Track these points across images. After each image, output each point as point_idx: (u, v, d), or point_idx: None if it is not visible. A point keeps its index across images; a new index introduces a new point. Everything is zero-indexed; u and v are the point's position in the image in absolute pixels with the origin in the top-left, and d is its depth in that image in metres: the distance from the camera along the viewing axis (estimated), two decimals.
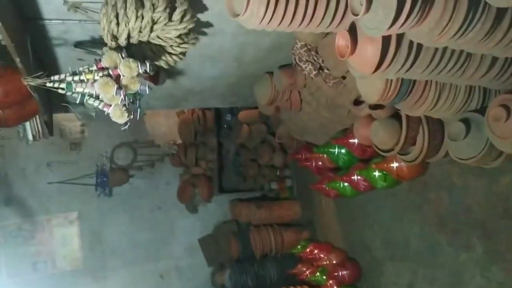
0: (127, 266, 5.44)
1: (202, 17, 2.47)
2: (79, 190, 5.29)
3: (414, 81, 2.15)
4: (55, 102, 2.96)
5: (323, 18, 1.90)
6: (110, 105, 2.12)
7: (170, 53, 2.40)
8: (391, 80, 2.11)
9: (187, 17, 2.19)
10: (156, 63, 2.43)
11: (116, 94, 2.07)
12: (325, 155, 3.88)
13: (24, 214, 5.20)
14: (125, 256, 5.44)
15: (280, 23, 1.89)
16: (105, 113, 2.16)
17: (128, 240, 5.46)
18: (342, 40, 1.87)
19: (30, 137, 3.27)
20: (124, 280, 5.47)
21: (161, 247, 5.58)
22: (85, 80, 2.08)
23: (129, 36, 2.15)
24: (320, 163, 4.04)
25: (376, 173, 3.25)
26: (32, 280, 5.09)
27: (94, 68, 2.10)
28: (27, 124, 3.21)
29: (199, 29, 2.55)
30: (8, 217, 5.05)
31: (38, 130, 3.24)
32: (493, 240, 2.63)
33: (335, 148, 3.74)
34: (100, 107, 2.13)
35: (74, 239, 5.30)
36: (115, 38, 2.14)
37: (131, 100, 2.18)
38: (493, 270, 2.62)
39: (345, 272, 4.03)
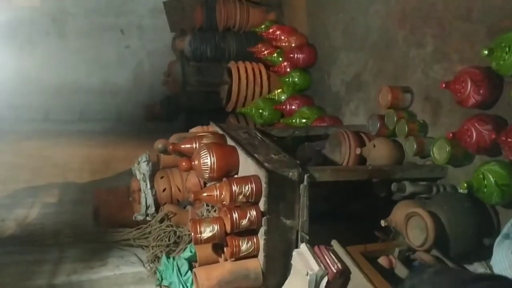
0: (87, 14, 5.31)
1: None
2: None
3: None
4: None
5: None
6: None
7: None
8: None
9: None
10: None
11: None
12: None
13: None
14: (86, 4, 5.26)
15: None
16: None
17: None
18: None
19: None
20: (83, 29, 5.39)
21: (124, 2, 5.40)
22: None
23: None
24: None
25: None
26: None
27: None
28: None
29: None
30: None
31: None
32: (445, 40, 2.71)
33: None
34: None
35: None
36: None
37: None
38: (435, 68, 2.78)
39: (300, 55, 4.14)
